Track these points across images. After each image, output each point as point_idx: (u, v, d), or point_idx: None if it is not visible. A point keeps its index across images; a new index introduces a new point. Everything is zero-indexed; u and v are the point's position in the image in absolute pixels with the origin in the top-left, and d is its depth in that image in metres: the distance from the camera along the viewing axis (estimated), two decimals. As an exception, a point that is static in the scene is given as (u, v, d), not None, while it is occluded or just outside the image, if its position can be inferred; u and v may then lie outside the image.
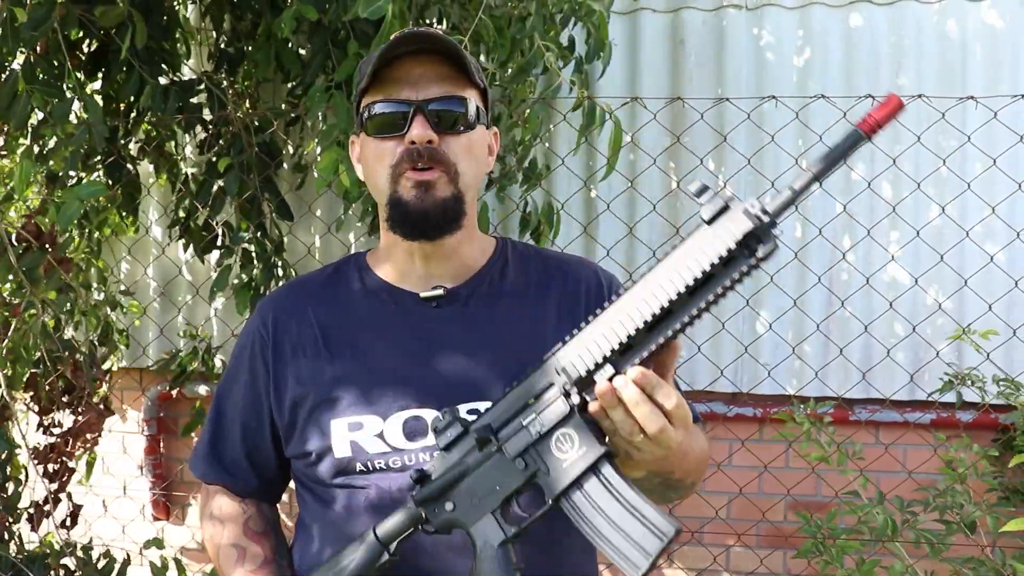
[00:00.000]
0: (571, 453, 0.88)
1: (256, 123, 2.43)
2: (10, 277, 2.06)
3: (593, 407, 0.89)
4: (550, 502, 0.91)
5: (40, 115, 2.15)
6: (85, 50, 2.34)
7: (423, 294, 1.13)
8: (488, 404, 1.05)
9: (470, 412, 1.07)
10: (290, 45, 2.25)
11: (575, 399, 0.89)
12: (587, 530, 0.89)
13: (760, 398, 2.64)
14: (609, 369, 0.87)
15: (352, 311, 1.15)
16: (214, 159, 2.43)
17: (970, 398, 2.36)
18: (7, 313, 2.13)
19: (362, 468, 1.07)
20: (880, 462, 2.47)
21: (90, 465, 2.42)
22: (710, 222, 0.84)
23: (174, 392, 2.80)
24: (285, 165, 2.61)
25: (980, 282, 2.41)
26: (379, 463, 1.07)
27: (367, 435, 1.07)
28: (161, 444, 3.12)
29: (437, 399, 1.07)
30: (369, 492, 1.07)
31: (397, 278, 1.16)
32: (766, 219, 0.83)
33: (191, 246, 2.55)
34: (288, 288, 1.23)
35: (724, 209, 0.84)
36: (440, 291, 1.12)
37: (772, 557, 2.62)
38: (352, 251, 2.83)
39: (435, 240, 1.09)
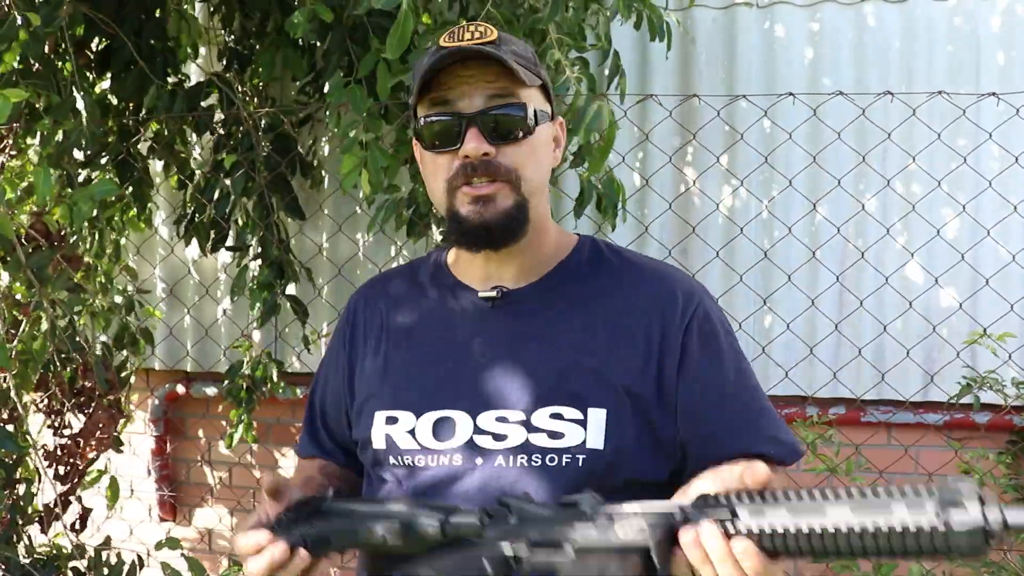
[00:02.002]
0: (629, 534, 0.84)
1: (267, 121, 2.41)
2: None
3: (687, 542, 0.81)
4: (574, 553, 0.86)
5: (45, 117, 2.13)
6: (94, 49, 2.33)
7: (481, 293, 1.11)
8: (517, 414, 1.03)
9: (498, 419, 1.03)
10: (300, 43, 2.23)
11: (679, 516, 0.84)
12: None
13: (772, 399, 2.60)
14: (723, 514, 0.81)
15: (416, 306, 1.16)
16: (220, 160, 2.41)
17: (988, 400, 2.33)
18: (17, 313, 2.12)
19: (394, 462, 1.07)
20: (894, 465, 2.45)
21: (96, 477, 2.39)
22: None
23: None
24: (298, 166, 2.59)
25: (995, 282, 2.39)
26: (407, 460, 1.06)
27: (400, 430, 1.07)
28: (168, 445, 3.10)
29: (469, 402, 1.05)
30: (398, 488, 1.07)
31: (464, 274, 1.14)
32: (997, 514, 0.71)
33: (197, 244, 2.53)
34: (379, 277, 1.26)
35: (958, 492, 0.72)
36: (496, 292, 1.09)
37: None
38: (361, 250, 2.81)
39: (500, 250, 1.06)
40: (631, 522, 0.84)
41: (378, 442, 1.08)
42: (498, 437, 1.03)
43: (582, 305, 1.09)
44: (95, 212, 2.22)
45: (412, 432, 1.06)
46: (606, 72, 2.29)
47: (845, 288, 2.54)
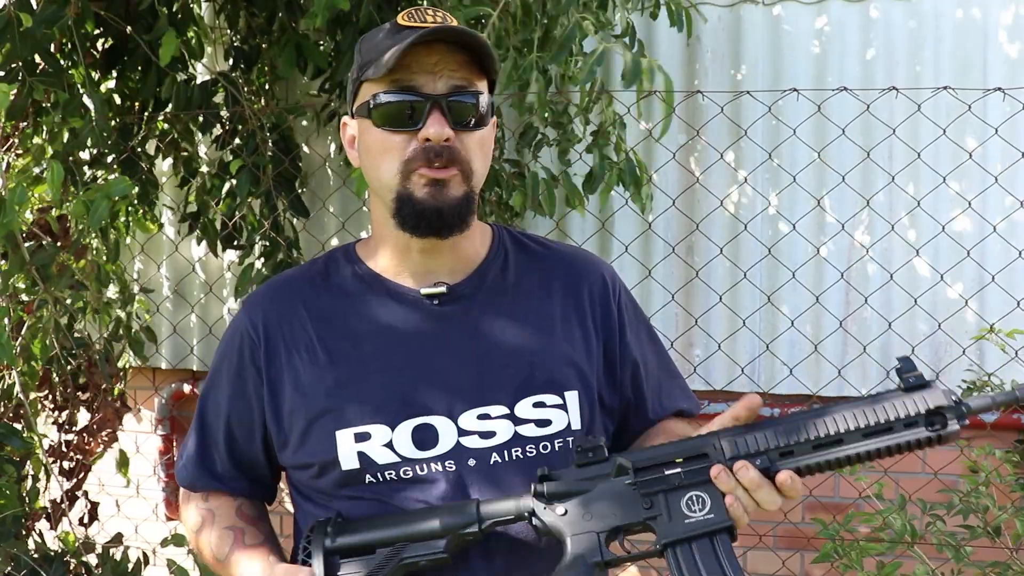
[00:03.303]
0: (698, 514, 0.93)
1: (273, 121, 2.42)
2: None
3: (717, 473, 0.93)
4: (659, 546, 0.93)
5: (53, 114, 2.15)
6: (99, 48, 2.34)
7: (424, 291, 1.07)
8: (499, 408, 1.03)
9: (480, 417, 1.03)
10: (310, 40, 2.24)
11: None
12: None
13: (778, 397, 2.60)
14: (763, 462, 0.93)
15: (348, 310, 1.08)
16: (228, 158, 2.42)
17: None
18: (21, 311, 2.13)
19: (371, 479, 1.02)
20: (901, 463, 2.42)
21: (124, 464, 2.36)
22: (908, 390, 0.92)
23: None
24: (302, 160, 2.60)
25: (1002, 278, 2.37)
26: (389, 474, 1.01)
27: (375, 445, 1.02)
28: (175, 444, 3.11)
29: (446, 405, 1.03)
30: (376, 506, 1.02)
31: (393, 272, 1.09)
32: (961, 406, 0.91)
33: (203, 242, 2.54)
34: (276, 285, 1.15)
35: (925, 384, 0.92)
36: (442, 288, 1.06)
37: (791, 559, 2.58)
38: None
39: (445, 239, 1.03)
40: (697, 502, 0.93)
41: (348, 462, 1.02)
42: (485, 435, 1.03)
43: (530, 294, 1.11)
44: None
45: (390, 445, 1.01)
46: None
47: (850, 285, 2.52)
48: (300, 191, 2.50)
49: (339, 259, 1.14)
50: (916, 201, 2.42)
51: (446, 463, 1.01)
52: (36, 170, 2.27)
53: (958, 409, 0.90)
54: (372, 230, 1.13)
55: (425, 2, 2.02)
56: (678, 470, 0.94)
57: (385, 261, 1.10)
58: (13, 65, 1.90)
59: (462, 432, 1.02)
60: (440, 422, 1.02)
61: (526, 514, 0.96)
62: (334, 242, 2.83)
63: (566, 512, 0.94)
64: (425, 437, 1.02)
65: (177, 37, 2.09)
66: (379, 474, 1.02)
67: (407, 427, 1.02)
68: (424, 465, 1.01)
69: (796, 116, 2.45)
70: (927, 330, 2.47)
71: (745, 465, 0.91)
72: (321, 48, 2.28)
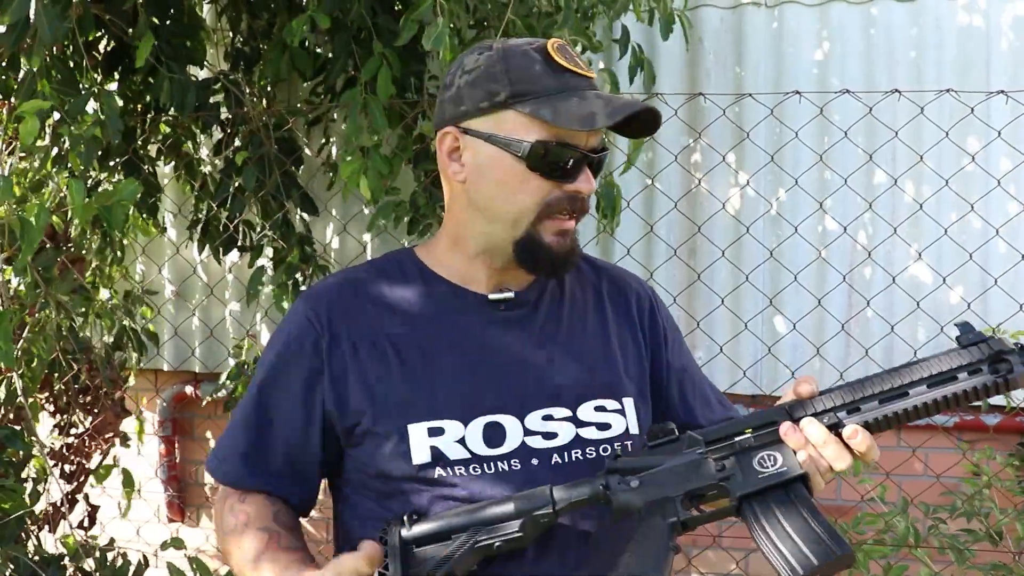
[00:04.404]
0: (770, 468, 0.94)
1: (273, 121, 2.42)
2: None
3: (786, 430, 0.94)
4: (734, 501, 0.95)
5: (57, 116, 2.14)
6: (101, 50, 2.34)
7: (491, 296, 1.11)
8: (562, 411, 1.06)
9: (544, 419, 1.05)
10: (306, 44, 2.24)
11: None
12: (759, 534, 0.93)
13: (778, 399, 2.59)
14: (831, 419, 0.94)
15: (415, 309, 1.10)
16: (232, 156, 2.41)
17: (997, 401, 2.31)
18: (23, 313, 2.13)
19: (440, 474, 1.02)
20: (903, 466, 2.42)
21: (105, 471, 2.37)
22: (965, 346, 0.94)
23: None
24: (304, 162, 2.60)
25: (1005, 281, 2.37)
26: (459, 470, 1.02)
27: (448, 440, 1.03)
28: (176, 446, 3.11)
29: (516, 405, 1.05)
30: (447, 502, 1.02)
31: (461, 277, 1.12)
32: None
33: (207, 247, 2.53)
34: (339, 281, 1.14)
35: (984, 340, 0.94)
36: (510, 294, 1.10)
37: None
38: (367, 250, 2.82)
39: (552, 279, 1.12)
40: (769, 459, 0.94)
41: (420, 456, 1.02)
42: (548, 436, 1.05)
43: (586, 305, 1.16)
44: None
45: (462, 441, 1.03)
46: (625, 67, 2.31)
47: (853, 288, 2.52)
48: (329, 188, 2.49)
49: (402, 260, 1.16)
50: (919, 204, 2.42)
51: (511, 461, 1.03)
52: (38, 164, 2.26)
53: (1019, 351, 0.91)
54: (447, 236, 1.14)
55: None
56: (748, 435, 0.96)
57: (454, 266, 1.12)
58: (27, 71, 1.90)
59: (528, 432, 1.05)
60: (508, 421, 1.05)
61: (601, 490, 0.97)
62: (335, 244, 2.83)
63: (640, 484, 0.97)
64: (494, 435, 1.04)
65: (171, 39, 2.10)
66: (449, 468, 1.02)
67: (479, 424, 1.04)
68: (491, 463, 1.03)
69: (798, 118, 2.45)
70: (930, 333, 2.47)
71: (811, 420, 0.92)
72: (319, 52, 2.27)
